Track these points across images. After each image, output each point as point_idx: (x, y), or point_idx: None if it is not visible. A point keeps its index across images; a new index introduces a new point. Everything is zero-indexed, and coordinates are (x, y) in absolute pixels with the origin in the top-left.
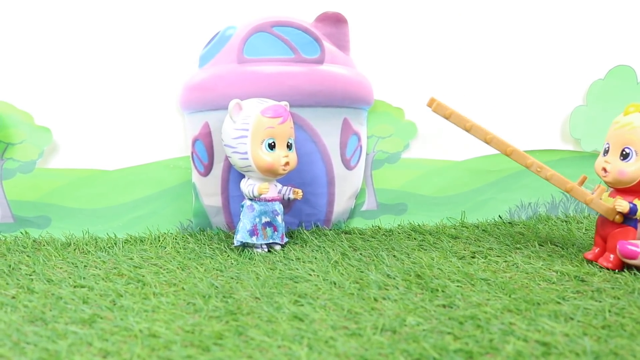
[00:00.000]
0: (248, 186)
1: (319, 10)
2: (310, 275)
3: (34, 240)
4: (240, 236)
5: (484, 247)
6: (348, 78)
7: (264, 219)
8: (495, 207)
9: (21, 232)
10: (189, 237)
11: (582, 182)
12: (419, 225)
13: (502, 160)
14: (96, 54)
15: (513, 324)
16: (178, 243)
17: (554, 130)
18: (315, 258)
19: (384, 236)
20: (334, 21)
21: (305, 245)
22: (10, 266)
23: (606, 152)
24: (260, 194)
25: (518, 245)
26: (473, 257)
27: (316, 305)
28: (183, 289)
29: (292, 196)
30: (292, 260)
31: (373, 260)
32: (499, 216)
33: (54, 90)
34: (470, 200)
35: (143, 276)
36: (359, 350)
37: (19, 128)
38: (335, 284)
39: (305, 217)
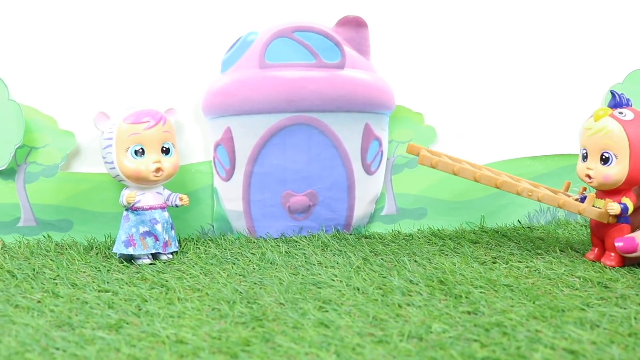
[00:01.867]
0: (121, 195)
1: (339, 15)
2: (333, 280)
3: (56, 244)
4: (116, 247)
5: (504, 253)
6: (369, 83)
7: (142, 229)
8: (514, 211)
9: (44, 236)
10: (209, 242)
11: (567, 188)
12: (438, 230)
13: (521, 165)
14: (118, 59)
15: (539, 332)
16: (199, 248)
17: (573, 134)
18: (337, 263)
19: (404, 241)
20: (355, 25)
21: (326, 249)
22: (34, 270)
23: (585, 157)
24: (129, 203)
25: (539, 251)
26: (494, 263)
27: (341, 311)
28: (207, 294)
29: (179, 203)
30: (314, 265)
31: (395, 265)
32: (518, 221)
33: (78, 94)
34: (489, 204)
35: (166, 281)
36: (386, 357)
37: (43, 132)
38: (358, 289)
39: (325, 222)
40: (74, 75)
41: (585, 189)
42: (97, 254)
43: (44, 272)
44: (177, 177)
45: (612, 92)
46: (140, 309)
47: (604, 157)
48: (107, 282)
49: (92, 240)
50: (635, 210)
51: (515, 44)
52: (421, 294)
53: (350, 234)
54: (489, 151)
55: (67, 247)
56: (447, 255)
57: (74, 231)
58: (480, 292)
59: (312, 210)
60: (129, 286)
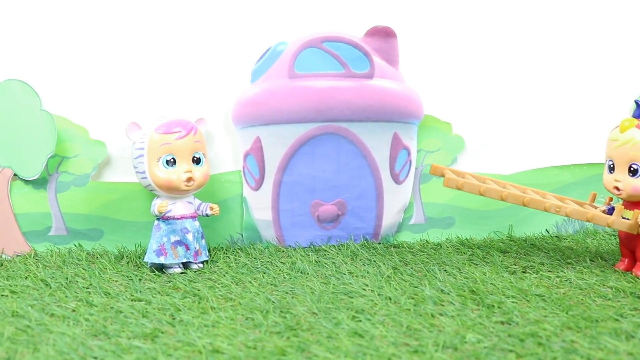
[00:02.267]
0: (152, 205)
1: (368, 25)
2: (365, 290)
3: (87, 253)
4: (148, 257)
5: (534, 262)
6: (398, 92)
7: (173, 238)
8: (542, 220)
9: (75, 245)
10: (239, 251)
11: (593, 199)
12: (466, 239)
13: (549, 174)
14: (149, 70)
15: (575, 342)
16: (229, 257)
17: (600, 143)
18: (368, 272)
19: (432, 250)
20: (384, 35)
21: (356, 258)
22: (67, 279)
23: (611, 169)
24: (160, 212)
25: (569, 260)
26: (524, 272)
27: (374, 321)
28: (240, 303)
29: (209, 212)
30: (345, 274)
31: (425, 275)
32: (546, 230)
33: (109, 105)
34: (517, 213)
35: (198, 290)
36: None
37: (74, 142)
38: (390, 299)
39: (353, 231)
40: (105, 86)
41: (611, 199)
42: (128, 262)
43: (77, 281)
44: (206, 187)
45: (636, 103)
46: (174, 318)
47: (632, 168)
48: (140, 291)
49: (122, 249)
50: None
51: (543, 53)
52: (453, 304)
53: (379, 243)
54: (517, 160)
55: (98, 256)
56: (476, 264)
57: (104, 240)
58: (513, 302)
59: (340, 219)
60: (162, 295)
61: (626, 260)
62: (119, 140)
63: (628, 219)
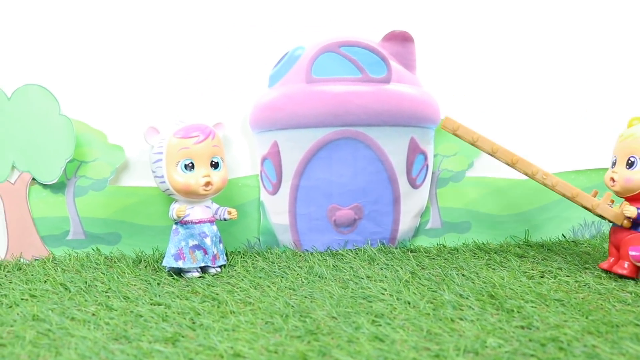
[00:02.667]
0: (171, 209)
1: (385, 29)
2: (383, 294)
3: (105, 257)
4: (166, 261)
5: (552, 267)
6: (415, 97)
7: (191, 242)
8: (558, 225)
9: (92, 249)
10: (256, 255)
11: (594, 196)
12: (483, 243)
13: (566, 178)
14: (167, 74)
15: (596, 347)
16: (246, 261)
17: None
18: (386, 277)
19: (449, 255)
20: (401, 40)
21: (373, 263)
22: (86, 283)
23: (614, 164)
24: (179, 217)
25: (587, 265)
26: (542, 277)
27: (394, 325)
28: (259, 307)
29: (227, 217)
30: (363, 278)
31: (443, 279)
32: (563, 235)
33: (127, 109)
34: (534, 218)
35: (217, 294)
36: None
37: (93, 146)
38: (409, 303)
39: (370, 235)
40: (123, 91)
41: (612, 201)
42: (146, 267)
43: (96, 285)
44: (224, 191)
45: None
46: (194, 322)
47: (629, 161)
48: (159, 295)
49: (140, 254)
50: None
51: (561, 57)
52: (472, 308)
53: (396, 248)
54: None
55: (116, 260)
56: (494, 269)
57: (122, 244)
58: (532, 307)
59: (357, 223)
60: (181, 299)
61: (612, 259)
62: (137, 145)
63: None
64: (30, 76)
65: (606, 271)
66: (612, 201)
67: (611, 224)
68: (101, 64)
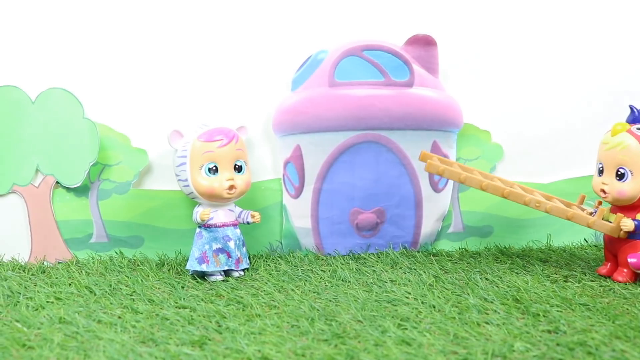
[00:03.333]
0: (194, 213)
1: (408, 33)
2: (407, 298)
3: (129, 260)
4: (190, 264)
5: (576, 271)
6: (437, 101)
7: (215, 246)
8: (580, 229)
9: (115, 252)
10: (279, 259)
11: (582, 201)
12: (505, 247)
13: (587, 183)
14: (190, 78)
15: (625, 352)
16: (269, 265)
17: None
18: (409, 281)
19: (471, 258)
20: (424, 44)
21: (396, 266)
22: (110, 286)
23: (601, 172)
24: (203, 220)
25: None
26: (566, 281)
27: (421, 329)
28: (284, 311)
29: (250, 220)
30: (386, 282)
31: (467, 283)
32: (585, 239)
33: (150, 113)
34: (556, 222)
35: (242, 297)
36: None
37: (116, 150)
38: (434, 307)
39: (392, 239)
40: (146, 94)
41: (601, 202)
42: (169, 270)
43: (121, 288)
44: (247, 194)
45: (631, 107)
46: (220, 326)
47: (619, 172)
48: (184, 299)
49: (163, 257)
50: None
51: (583, 62)
52: (498, 312)
53: (418, 252)
54: (556, 169)
55: (139, 263)
56: (517, 273)
57: (144, 247)
58: (558, 311)
59: (379, 227)
60: (206, 303)
61: (609, 264)
62: (160, 148)
63: (611, 222)
64: (54, 80)
65: None
66: (600, 203)
67: None
68: (125, 67)
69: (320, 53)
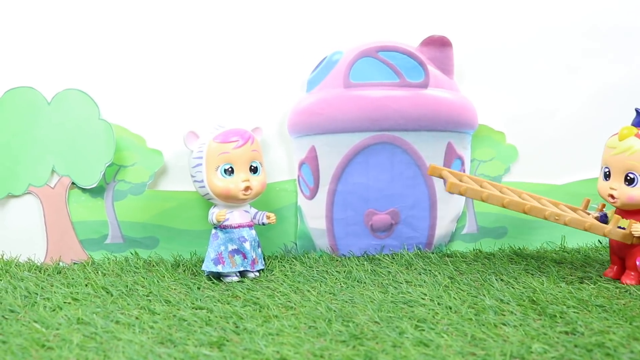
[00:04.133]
0: (210, 214)
1: (423, 34)
2: (424, 299)
3: (144, 261)
4: (205, 265)
5: (591, 273)
6: (452, 102)
7: (231, 247)
8: None
9: (131, 253)
10: (294, 260)
11: (586, 205)
12: (519, 248)
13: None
14: (205, 79)
15: None
16: (284, 266)
17: None
18: (425, 282)
19: (486, 260)
20: (439, 45)
21: (410, 267)
22: (127, 287)
23: (607, 176)
24: (219, 221)
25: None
26: (581, 283)
27: (438, 330)
28: (301, 312)
29: (266, 221)
30: (402, 283)
31: (482, 284)
32: (599, 241)
33: (166, 114)
34: None
35: (258, 298)
36: None
37: (132, 151)
38: (451, 308)
39: (407, 240)
40: (162, 96)
41: (604, 205)
42: (184, 271)
43: (137, 289)
44: (262, 195)
45: (637, 110)
46: (237, 327)
47: (628, 177)
48: (200, 300)
49: (178, 258)
50: None
51: (599, 62)
52: (514, 314)
53: (432, 253)
54: (570, 171)
55: (155, 264)
56: (532, 274)
57: (159, 248)
58: (574, 312)
59: (394, 228)
60: (223, 304)
61: (615, 267)
62: (175, 149)
63: (623, 228)
64: (70, 81)
65: None
66: (603, 206)
67: None
68: (140, 69)
69: (336, 54)
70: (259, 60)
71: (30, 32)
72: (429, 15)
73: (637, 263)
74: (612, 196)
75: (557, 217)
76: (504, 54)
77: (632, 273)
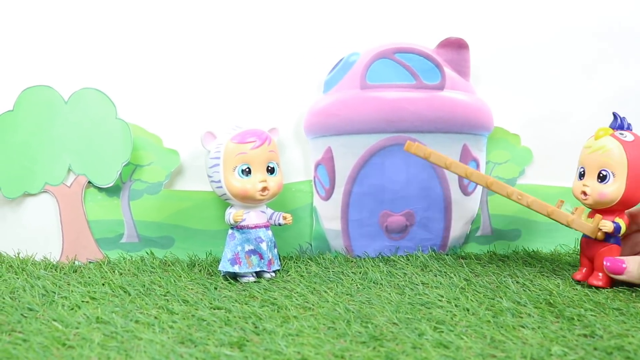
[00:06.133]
0: (227, 214)
1: (440, 36)
2: (440, 301)
3: (160, 261)
4: (222, 265)
5: None
6: (468, 104)
7: (247, 247)
8: None
9: (146, 252)
10: (309, 261)
11: (559, 206)
12: (533, 251)
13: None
14: (222, 80)
15: None
16: (300, 266)
17: None
18: (441, 283)
19: (500, 262)
20: (456, 47)
21: (426, 269)
22: (144, 286)
23: (582, 175)
24: (236, 222)
25: None
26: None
27: (457, 332)
28: (320, 313)
29: (282, 222)
30: (418, 285)
31: (498, 286)
32: None
33: (182, 114)
34: None
35: (276, 299)
36: None
37: (148, 150)
38: (468, 310)
39: (421, 242)
40: (178, 95)
41: (577, 209)
42: (200, 271)
43: (154, 289)
44: (278, 196)
45: (614, 114)
46: (257, 327)
47: (601, 174)
48: (218, 300)
49: (193, 257)
50: (625, 236)
51: (614, 66)
52: (532, 316)
53: (447, 255)
54: None
55: (171, 264)
56: (548, 277)
57: (175, 248)
58: (592, 315)
59: (408, 230)
60: (240, 304)
61: (584, 269)
62: (191, 149)
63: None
64: (87, 80)
65: None
66: (577, 209)
67: (582, 236)
68: (157, 68)
69: (352, 55)
70: (276, 61)
71: (48, 31)
72: (446, 17)
73: (605, 263)
74: (584, 193)
75: (519, 197)
76: (520, 57)
77: (600, 274)
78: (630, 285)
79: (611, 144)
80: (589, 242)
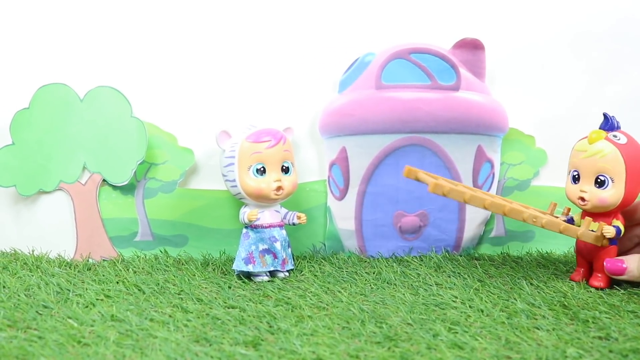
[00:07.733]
0: (241, 213)
1: (455, 37)
2: (455, 301)
3: (174, 259)
4: (236, 265)
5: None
6: (483, 105)
7: (262, 246)
8: None
9: (160, 250)
10: (322, 260)
11: (553, 209)
12: (547, 252)
13: None
14: (237, 79)
15: None
16: (313, 266)
17: None
18: (455, 284)
19: (514, 263)
20: (472, 48)
21: (439, 270)
22: (158, 284)
23: (575, 179)
24: (250, 221)
25: None
26: (611, 288)
27: (472, 333)
28: (334, 312)
29: (296, 221)
30: (432, 285)
31: (512, 288)
32: None
33: (197, 112)
34: None
35: (290, 298)
36: None
37: (163, 149)
38: (482, 311)
39: (435, 242)
40: (194, 94)
41: (569, 209)
42: (214, 269)
43: (168, 287)
44: (292, 196)
45: (605, 115)
46: (271, 326)
47: (599, 180)
48: (232, 299)
49: (207, 256)
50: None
51: (629, 67)
52: (546, 318)
53: (461, 256)
54: None
55: (184, 263)
56: (562, 279)
57: (188, 247)
58: (607, 318)
59: (422, 230)
60: (254, 303)
61: (582, 270)
62: (205, 148)
63: (594, 230)
64: (102, 78)
65: None
66: (569, 209)
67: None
68: (173, 67)
69: (368, 55)
70: (292, 61)
71: (64, 29)
72: (462, 18)
73: (605, 264)
74: (582, 199)
75: (534, 220)
76: (535, 58)
77: (600, 275)
78: (632, 284)
79: (607, 149)
80: (587, 245)
